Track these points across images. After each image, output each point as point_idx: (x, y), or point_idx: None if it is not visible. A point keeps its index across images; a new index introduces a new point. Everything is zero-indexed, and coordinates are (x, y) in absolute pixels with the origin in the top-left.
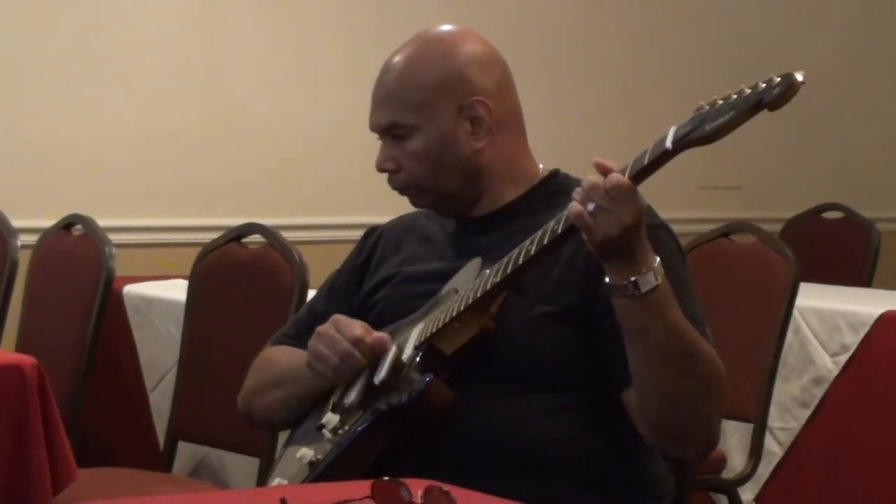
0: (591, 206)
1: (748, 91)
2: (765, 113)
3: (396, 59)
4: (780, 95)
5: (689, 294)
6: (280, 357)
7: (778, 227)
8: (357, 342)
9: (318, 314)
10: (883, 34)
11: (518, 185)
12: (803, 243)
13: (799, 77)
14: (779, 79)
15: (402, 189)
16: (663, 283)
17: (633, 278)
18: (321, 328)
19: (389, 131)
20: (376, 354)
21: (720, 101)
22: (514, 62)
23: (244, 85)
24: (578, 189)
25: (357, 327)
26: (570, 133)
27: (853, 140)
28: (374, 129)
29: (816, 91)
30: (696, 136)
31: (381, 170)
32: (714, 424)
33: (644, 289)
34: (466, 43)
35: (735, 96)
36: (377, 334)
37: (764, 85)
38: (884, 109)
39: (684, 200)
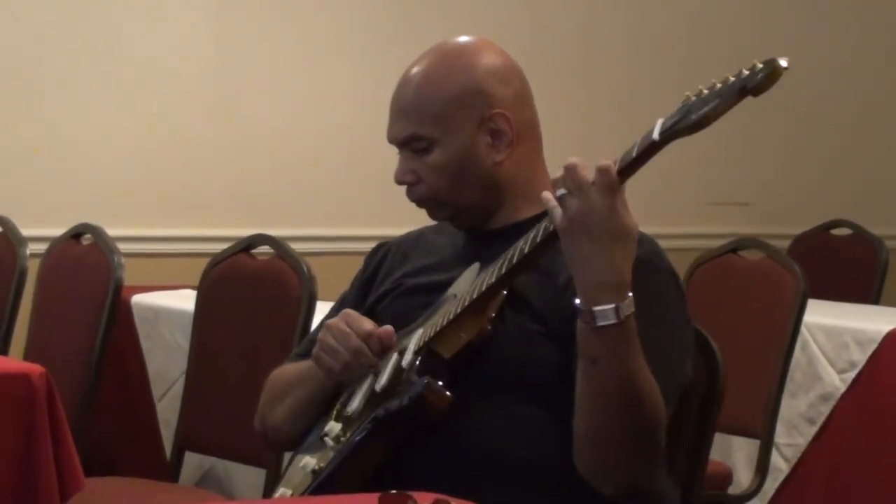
0: (566, 189)
1: (732, 79)
2: (775, 130)
3: (415, 70)
4: (763, 80)
5: (672, 340)
6: (288, 368)
7: (786, 243)
8: (368, 337)
9: None
10: (893, 51)
11: (535, 204)
12: (811, 260)
13: (782, 62)
14: (761, 64)
15: (420, 202)
16: (628, 325)
17: (594, 308)
18: (331, 321)
19: (409, 144)
20: (385, 349)
21: (706, 91)
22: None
23: (255, 95)
24: None
25: (367, 322)
26: (580, 144)
27: (862, 157)
28: (392, 141)
29: (826, 107)
30: (682, 126)
31: (400, 182)
32: (637, 474)
33: (599, 323)
34: (485, 55)
35: (720, 85)
36: (385, 327)
37: (747, 71)
38: (893, 126)
39: (693, 215)
